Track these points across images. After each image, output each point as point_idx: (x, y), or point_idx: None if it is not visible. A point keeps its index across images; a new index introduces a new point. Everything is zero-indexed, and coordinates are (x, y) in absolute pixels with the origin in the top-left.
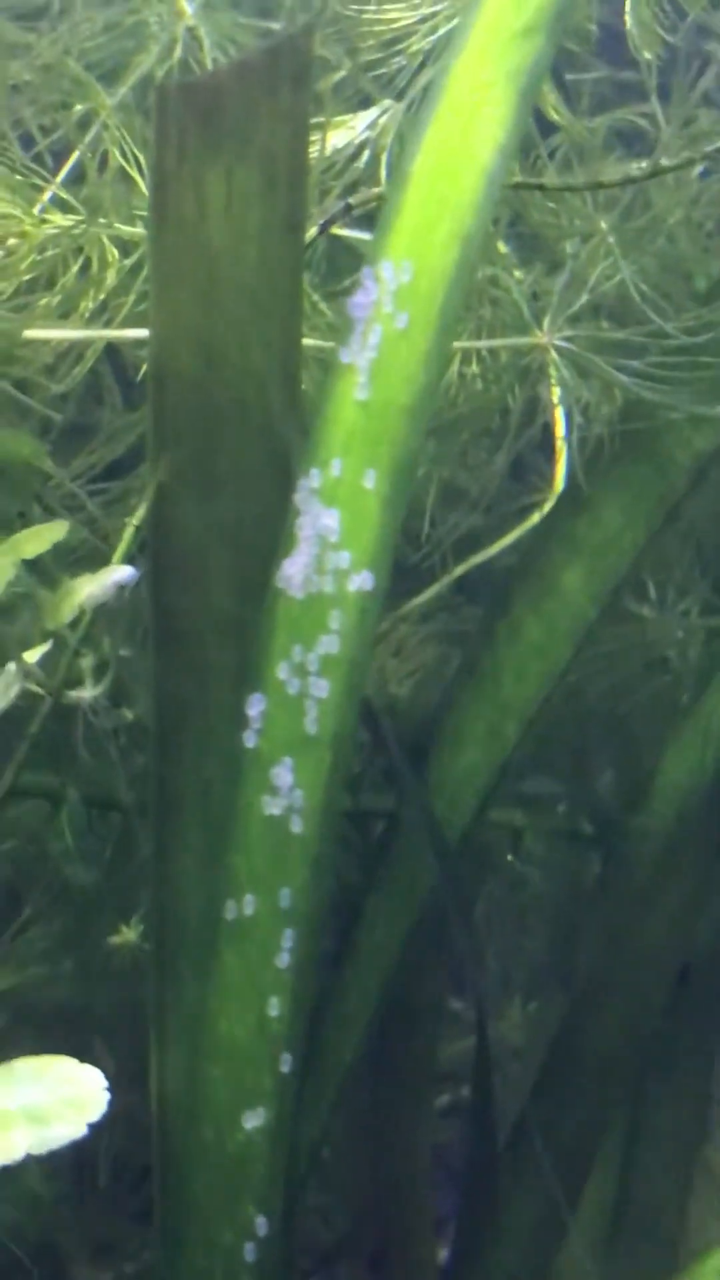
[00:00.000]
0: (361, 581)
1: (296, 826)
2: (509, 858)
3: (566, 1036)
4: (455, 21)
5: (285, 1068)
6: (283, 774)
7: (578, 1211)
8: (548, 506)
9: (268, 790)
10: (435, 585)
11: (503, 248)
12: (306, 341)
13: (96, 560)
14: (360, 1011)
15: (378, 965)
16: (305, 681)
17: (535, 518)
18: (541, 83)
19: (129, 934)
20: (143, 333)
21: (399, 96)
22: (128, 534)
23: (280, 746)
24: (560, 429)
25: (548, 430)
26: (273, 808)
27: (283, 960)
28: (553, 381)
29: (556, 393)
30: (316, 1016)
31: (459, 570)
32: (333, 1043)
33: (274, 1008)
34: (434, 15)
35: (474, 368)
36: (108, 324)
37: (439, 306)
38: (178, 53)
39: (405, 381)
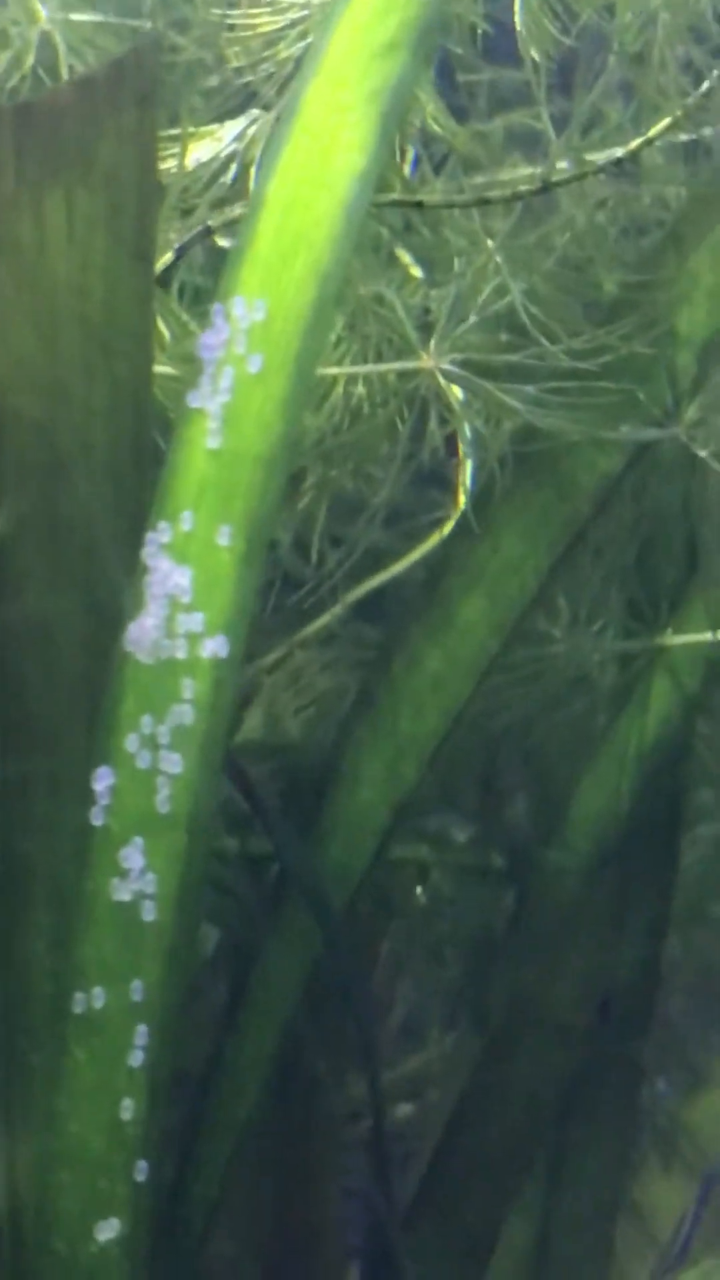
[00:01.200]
0: (216, 647)
1: (149, 914)
2: (417, 894)
3: (481, 1077)
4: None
5: (140, 1175)
6: (133, 855)
7: (495, 1262)
8: (439, 536)
9: (117, 873)
10: (330, 612)
11: (405, 257)
12: (167, 372)
13: None
14: (256, 1062)
15: (274, 1013)
16: (156, 755)
17: (432, 541)
18: (407, 102)
19: None
20: None
21: (267, 106)
22: None
23: (130, 826)
24: (460, 450)
25: (451, 445)
26: (122, 893)
27: (136, 1059)
28: (446, 404)
29: (448, 415)
30: (210, 1067)
31: (354, 595)
32: (228, 1095)
33: (127, 1110)
34: (303, 20)
35: (360, 389)
36: None
37: (296, 349)
38: (30, 59)
39: (261, 429)
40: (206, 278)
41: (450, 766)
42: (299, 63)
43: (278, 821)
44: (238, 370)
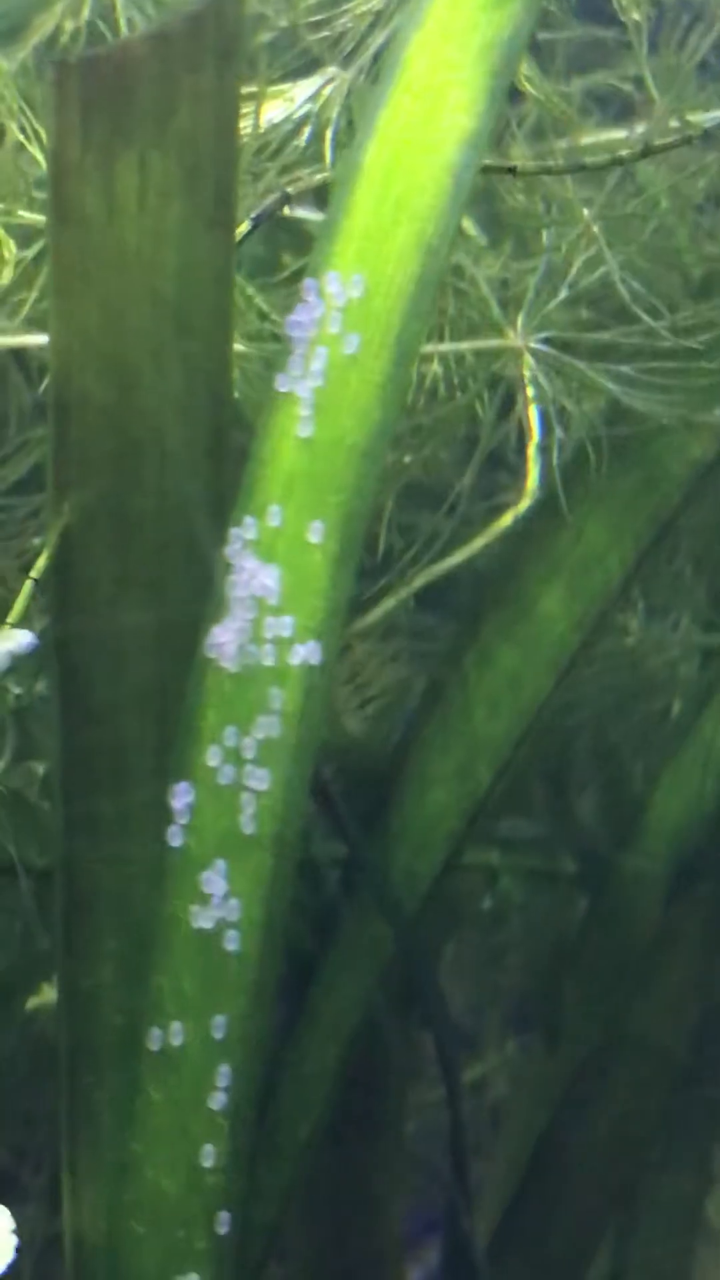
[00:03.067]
0: (307, 653)
1: (232, 943)
2: (483, 900)
3: (571, 1102)
4: None
5: (223, 1228)
6: (215, 880)
7: None
8: (511, 516)
9: (196, 899)
10: (394, 597)
11: (471, 230)
12: (239, 350)
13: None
14: (319, 1082)
15: (337, 1031)
16: (241, 771)
17: (504, 521)
18: (518, 58)
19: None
20: (43, 338)
21: (345, 63)
22: (26, 588)
23: (211, 847)
24: (534, 433)
25: (524, 432)
26: (203, 920)
27: (218, 1101)
28: (527, 384)
29: (527, 396)
30: (270, 1088)
31: (420, 580)
32: (288, 1116)
33: (208, 1157)
34: None
35: (434, 367)
36: (9, 319)
37: (397, 329)
38: (85, 12)
39: (357, 416)
40: (266, 247)
41: (520, 764)
42: (379, 17)
43: (350, 824)
44: (332, 351)
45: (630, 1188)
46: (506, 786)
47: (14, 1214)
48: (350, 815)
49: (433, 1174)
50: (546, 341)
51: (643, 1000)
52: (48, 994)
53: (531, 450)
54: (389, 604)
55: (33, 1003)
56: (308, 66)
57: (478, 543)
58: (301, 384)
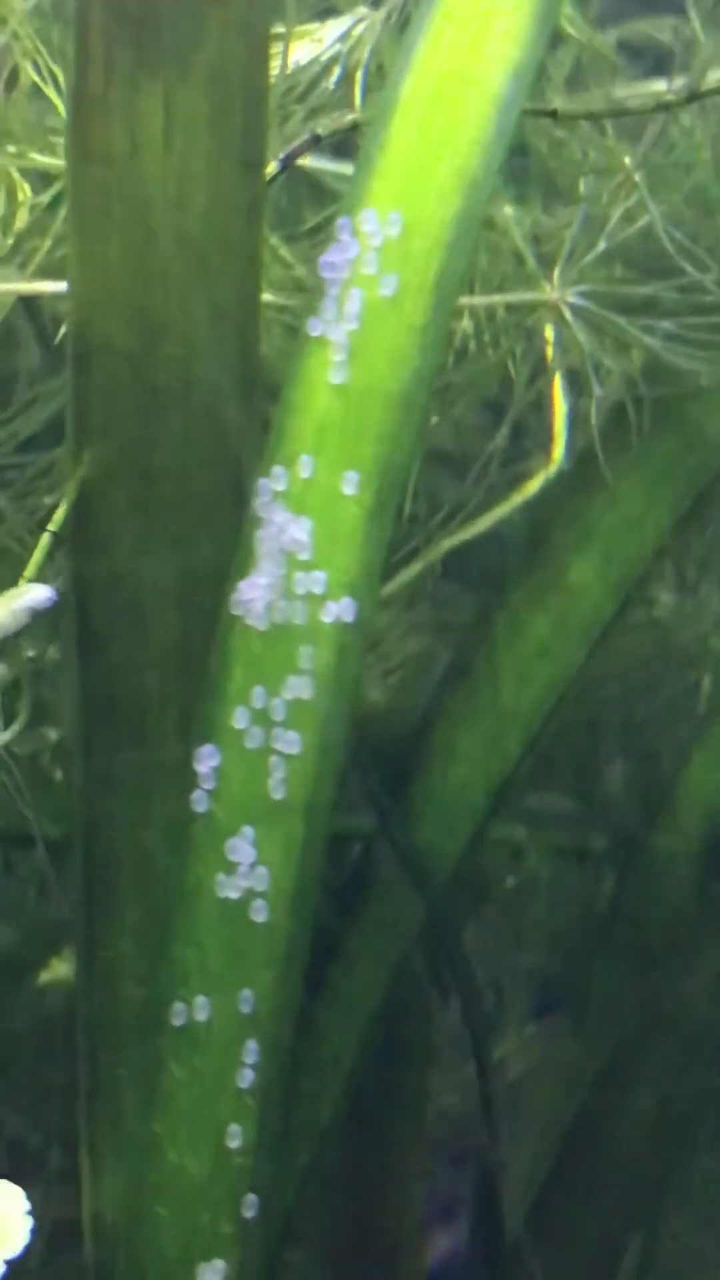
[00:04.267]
0: (340, 610)
1: (260, 914)
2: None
3: (605, 1086)
4: None
5: (249, 1211)
6: (242, 847)
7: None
8: (537, 482)
9: (223, 867)
10: (418, 563)
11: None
12: (266, 299)
13: (6, 565)
14: (339, 1061)
15: (357, 1010)
16: (269, 733)
17: (533, 485)
18: None
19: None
20: (60, 286)
21: (375, 3)
22: (44, 542)
23: (238, 813)
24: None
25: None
26: (229, 890)
27: (245, 1079)
28: (549, 343)
29: (558, 353)
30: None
31: (445, 545)
32: (307, 1098)
33: (234, 1137)
34: None
35: (464, 322)
36: (20, 269)
37: (436, 270)
38: None
39: (394, 363)
40: (288, 199)
41: (549, 738)
42: None
43: (377, 795)
44: (367, 294)
45: (665, 1173)
46: (534, 760)
47: (28, 1194)
48: (378, 786)
49: (452, 1156)
50: (584, 295)
51: (676, 981)
52: (60, 968)
53: (559, 411)
54: (413, 570)
55: (45, 976)
56: (336, 6)
57: (505, 507)
58: (335, 328)
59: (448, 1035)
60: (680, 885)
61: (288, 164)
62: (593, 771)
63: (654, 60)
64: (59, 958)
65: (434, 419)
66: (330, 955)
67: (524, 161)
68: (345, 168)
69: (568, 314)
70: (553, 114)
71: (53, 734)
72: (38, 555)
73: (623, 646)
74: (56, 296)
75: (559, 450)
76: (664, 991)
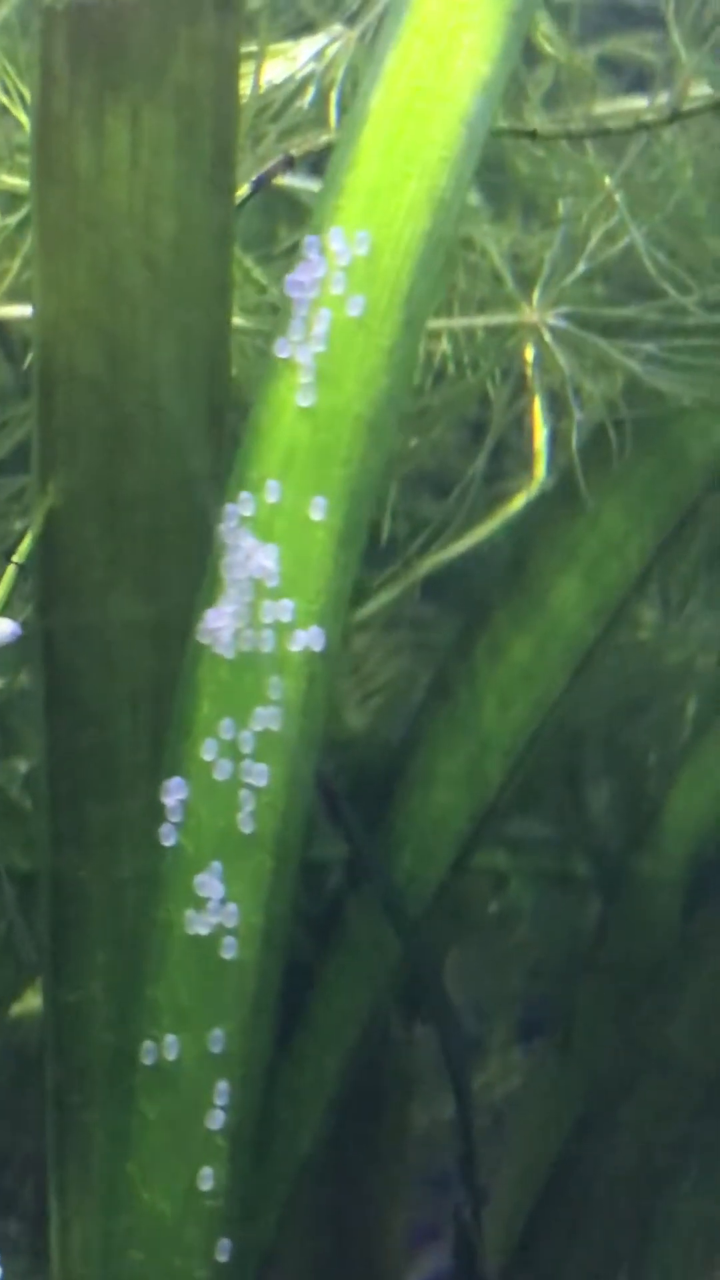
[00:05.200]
0: (309, 639)
1: (230, 951)
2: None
3: (588, 1122)
4: None
5: (222, 1255)
6: (211, 883)
7: None
8: (518, 502)
9: (192, 903)
10: (397, 585)
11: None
12: (239, 323)
13: None
14: (318, 1092)
15: (337, 1039)
16: (238, 765)
17: (512, 506)
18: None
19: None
20: (27, 310)
21: (350, 21)
22: (9, 574)
23: (207, 848)
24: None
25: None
26: (199, 926)
27: (215, 1120)
28: (528, 364)
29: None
30: (266, 1101)
31: (421, 571)
32: (286, 1130)
33: (206, 1180)
34: None
35: (443, 344)
36: None
37: (406, 289)
38: None
39: (362, 384)
40: (262, 218)
41: (532, 763)
42: None
43: (354, 823)
44: (335, 314)
45: (652, 1210)
46: (516, 785)
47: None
48: (352, 815)
49: (431, 1184)
50: (564, 317)
51: (663, 1013)
52: (32, 1000)
53: (540, 432)
54: (392, 593)
55: (17, 1009)
56: (310, 25)
57: (486, 528)
58: (302, 349)
59: (428, 1060)
60: (665, 911)
61: (260, 186)
62: (576, 795)
63: (634, 75)
64: (31, 990)
65: (413, 441)
66: (309, 985)
67: (502, 180)
68: (318, 185)
69: (548, 336)
70: (532, 134)
71: (21, 765)
72: (3, 586)
73: (606, 668)
74: (26, 319)
75: (540, 470)
76: (650, 1016)
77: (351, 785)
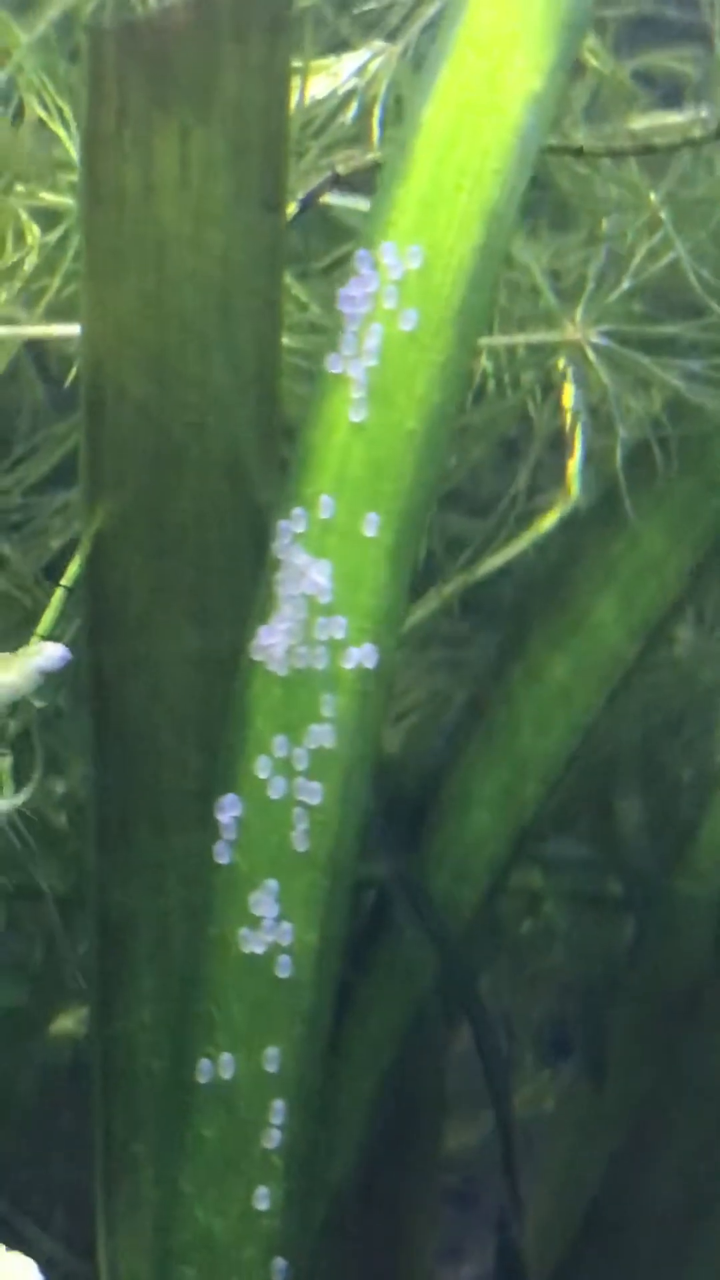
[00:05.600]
0: (362, 656)
1: (284, 970)
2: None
3: (630, 1153)
4: None
5: (279, 1276)
6: (265, 901)
7: None
8: (556, 518)
9: (246, 921)
10: (432, 602)
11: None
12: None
13: (14, 615)
14: (352, 1116)
15: (372, 1063)
16: (292, 783)
17: (547, 522)
18: (591, 13)
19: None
20: (73, 329)
21: (392, 36)
22: (57, 597)
23: (261, 866)
24: (577, 435)
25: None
26: (253, 944)
27: (272, 1139)
28: (567, 381)
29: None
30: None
31: (460, 584)
32: (323, 1151)
33: (262, 1199)
34: None
35: (485, 362)
36: (27, 307)
37: (458, 303)
38: None
39: (415, 399)
40: (299, 234)
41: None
42: None
43: (392, 843)
44: (388, 329)
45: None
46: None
47: (38, 1256)
48: (389, 835)
49: (458, 1198)
50: (608, 334)
51: (701, 1035)
52: (67, 1022)
53: (576, 450)
54: (428, 609)
55: (54, 1029)
56: (352, 39)
57: (520, 544)
58: (354, 364)
59: (459, 1079)
60: (701, 931)
61: (308, 204)
62: (610, 814)
63: (669, 87)
64: (67, 1013)
65: (453, 459)
66: (344, 1006)
67: (541, 195)
68: (357, 203)
69: (591, 354)
70: (578, 151)
71: (60, 786)
72: (50, 611)
73: (641, 685)
74: (64, 338)
75: (575, 489)
76: (687, 1038)
77: (387, 805)
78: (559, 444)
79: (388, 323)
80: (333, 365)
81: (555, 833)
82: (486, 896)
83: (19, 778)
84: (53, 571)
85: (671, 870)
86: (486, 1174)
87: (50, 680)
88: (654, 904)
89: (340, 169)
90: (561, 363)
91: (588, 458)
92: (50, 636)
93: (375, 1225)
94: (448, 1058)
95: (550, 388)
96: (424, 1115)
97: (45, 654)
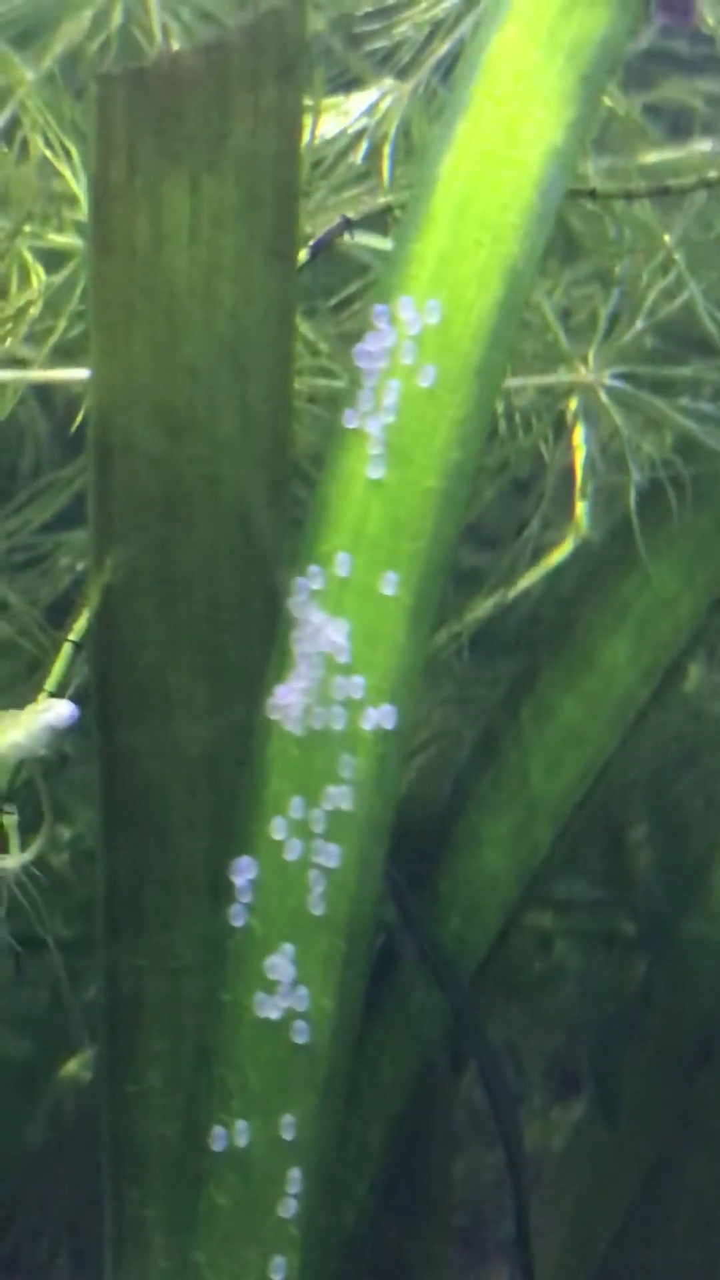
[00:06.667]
0: (381, 717)
1: (301, 1035)
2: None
3: (647, 1203)
4: None
5: None
6: (281, 965)
7: None
8: (559, 554)
9: (262, 986)
10: (443, 640)
11: None
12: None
13: (18, 665)
14: (363, 1164)
15: (382, 1110)
16: (309, 845)
17: (550, 562)
18: (615, 62)
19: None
20: (80, 373)
21: (402, 74)
22: (65, 652)
23: (277, 929)
24: (585, 473)
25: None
26: (269, 1009)
27: (288, 1208)
28: (577, 422)
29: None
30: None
31: (471, 621)
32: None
33: (279, 1270)
34: None
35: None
36: (32, 345)
37: (478, 360)
38: (117, 17)
39: (434, 456)
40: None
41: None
42: (439, 26)
43: (401, 887)
44: (406, 384)
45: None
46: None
47: None
48: (397, 878)
49: (463, 1238)
50: (621, 376)
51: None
52: (72, 1067)
53: (582, 489)
54: (437, 645)
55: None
56: (361, 78)
57: (529, 579)
58: (372, 420)
59: (466, 1116)
60: (713, 970)
61: (318, 251)
62: (621, 852)
63: (677, 119)
64: (74, 1058)
65: None
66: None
67: (554, 232)
68: (367, 239)
69: (604, 396)
70: (591, 194)
71: (66, 833)
72: (59, 666)
73: (653, 723)
74: (70, 382)
75: (582, 527)
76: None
77: (395, 845)
78: (570, 482)
79: (406, 379)
80: (349, 421)
81: (567, 872)
82: (498, 938)
83: (25, 825)
84: (57, 614)
85: (684, 910)
86: (495, 1213)
87: (59, 736)
88: (666, 944)
89: (351, 214)
90: (574, 403)
91: (599, 497)
92: (58, 691)
93: (384, 1268)
94: (456, 1095)
95: (562, 425)
96: (433, 1158)
97: (55, 711)
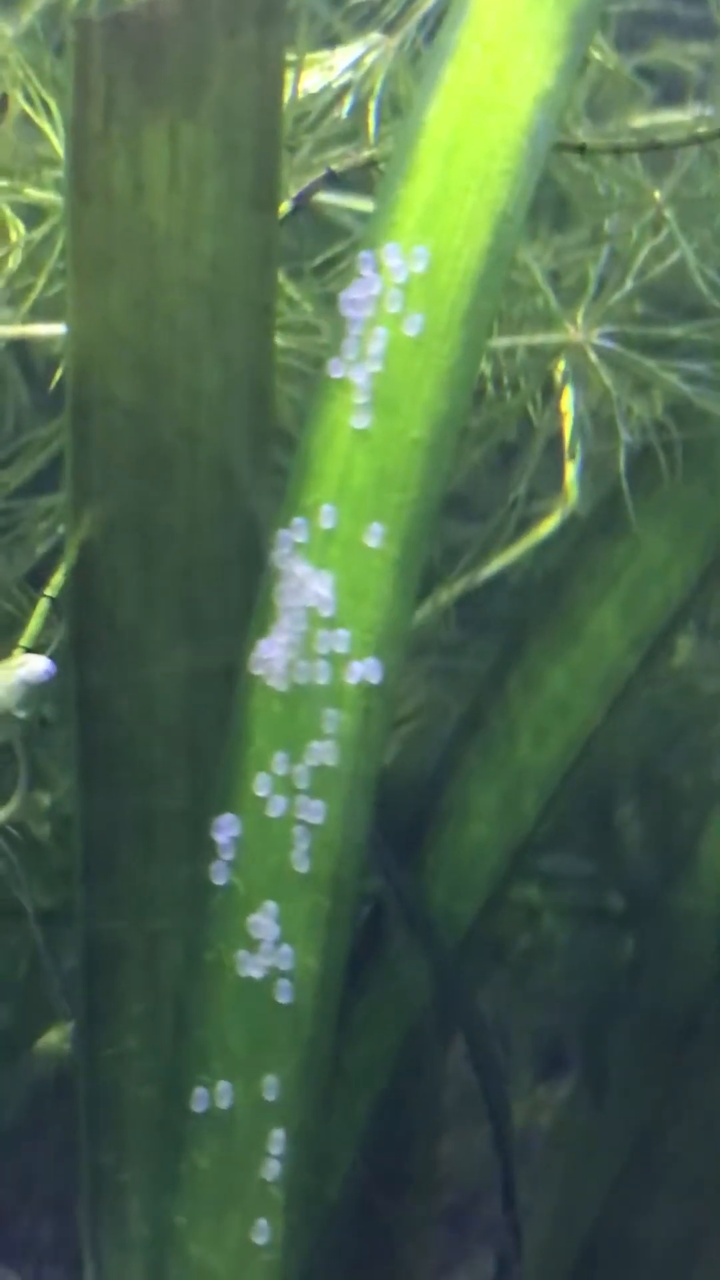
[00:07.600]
0: (365, 671)
1: (284, 995)
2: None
3: (632, 1178)
4: None
5: None
6: (264, 924)
7: None
8: (549, 525)
9: (244, 944)
10: (429, 610)
11: None
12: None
13: None
14: (344, 1141)
15: (365, 1085)
16: (293, 801)
17: (542, 530)
18: (603, 7)
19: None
20: (57, 329)
21: (389, 29)
22: (40, 608)
23: (260, 887)
24: (575, 439)
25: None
26: (251, 968)
27: (270, 1170)
28: (566, 383)
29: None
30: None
31: (457, 591)
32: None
33: (261, 1233)
34: None
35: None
36: (12, 305)
37: (465, 307)
38: None
39: (421, 406)
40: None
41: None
42: None
43: (387, 858)
44: (392, 333)
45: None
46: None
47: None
48: (383, 848)
49: (451, 1219)
50: (611, 336)
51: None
52: (53, 1037)
53: (573, 455)
54: (423, 616)
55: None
56: (346, 34)
57: (517, 550)
58: (357, 369)
59: (454, 1093)
60: (701, 945)
61: (301, 203)
62: (609, 826)
63: (671, 83)
64: (53, 1028)
65: None
66: (338, 1024)
67: (543, 192)
68: (351, 201)
69: (593, 356)
70: (581, 149)
71: (45, 799)
72: (34, 621)
73: (642, 696)
74: (48, 339)
75: (572, 495)
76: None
77: (381, 816)
78: (558, 448)
79: (392, 327)
80: (334, 370)
81: (556, 847)
82: (485, 910)
83: (2, 793)
84: (36, 578)
85: (672, 884)
86: (483, 1192)
87: (35, 692)
88: (654, 918)
89: (335, 167)
90: (562, 365)
91: (589, 463)
92: (35, 648)
93: (370, 1246)
94: (443, 1071)
95: (551, 390)
96: (419, 1133)
97: (29, 666)
